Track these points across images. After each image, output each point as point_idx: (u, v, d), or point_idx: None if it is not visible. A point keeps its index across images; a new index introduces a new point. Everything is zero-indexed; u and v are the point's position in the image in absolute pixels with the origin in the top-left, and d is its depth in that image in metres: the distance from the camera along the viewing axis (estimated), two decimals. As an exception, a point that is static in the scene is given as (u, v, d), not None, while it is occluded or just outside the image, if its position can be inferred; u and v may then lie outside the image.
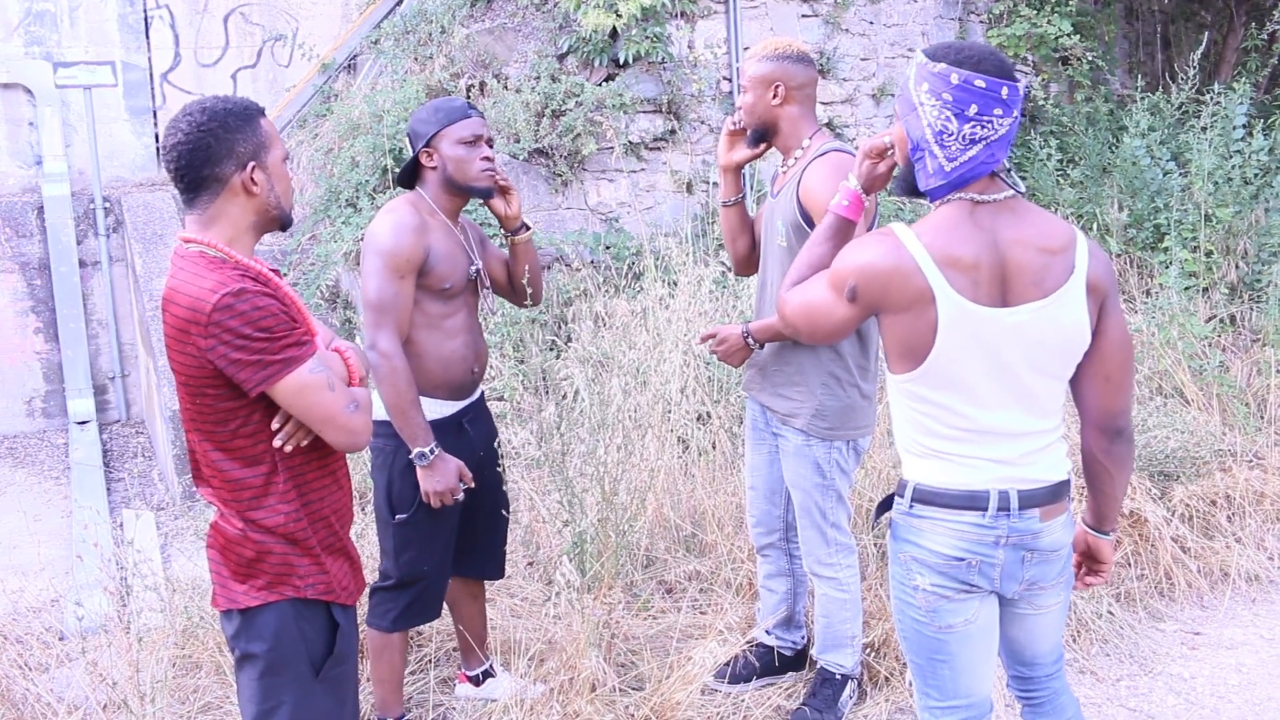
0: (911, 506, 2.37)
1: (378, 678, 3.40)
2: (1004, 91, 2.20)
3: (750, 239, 3.62)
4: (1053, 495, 2.35)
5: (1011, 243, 2.24)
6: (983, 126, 2.21)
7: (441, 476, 3.17)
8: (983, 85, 2.19)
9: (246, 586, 2.35)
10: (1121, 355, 2.34)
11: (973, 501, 2.30)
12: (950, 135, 2.22)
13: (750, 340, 3.40)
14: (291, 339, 2.25)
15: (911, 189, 2.37)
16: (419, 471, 3.18)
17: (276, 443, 2.32)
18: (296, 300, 2.37)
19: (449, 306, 3.28)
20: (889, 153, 2.45)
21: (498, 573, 3.63)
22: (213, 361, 2.22)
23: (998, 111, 2.20)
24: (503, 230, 3.48)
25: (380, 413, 3.20)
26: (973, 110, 2.20)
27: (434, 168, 3.26)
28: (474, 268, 3.34)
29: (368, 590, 3.35)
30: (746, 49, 7.39)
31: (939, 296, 2.19)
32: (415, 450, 3.15)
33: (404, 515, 3.25)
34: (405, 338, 3.18)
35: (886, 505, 2.49)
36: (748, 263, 3.67)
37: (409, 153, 3.33)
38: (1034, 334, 2.24)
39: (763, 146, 3.43)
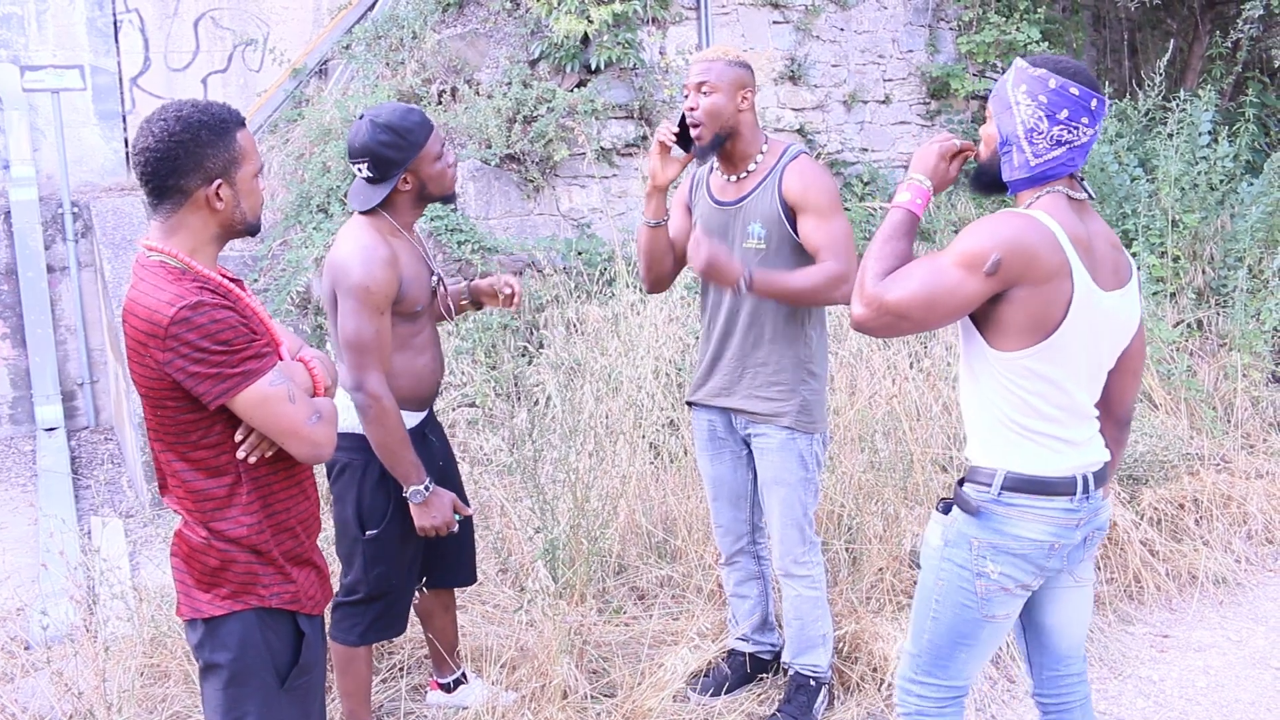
0: (1000, 494, 2.44)
1: (345, 691, 3.36)
2: (1093, 103, 2.39)
3: (674, 257, 3.61)
4: (1105, 475, 2.54)
5: (1096, 235, 2.45)
6: (1069, 131, 2.39)
7: (438, 511, 3.14)
8: (1076, 93, 2.38)
9: (210, 595, 2.33)
10: (1142, 351, 2.61)
11: (1065, 487, 2.44)
12: (1040, 134, 2.41)
13: (745, 284, 3.22)
14: (250, 351, 2.23)
15: (986, 186, 2.56)
16: (413, 508, 3.14)
17: (240, 454, 2.30)
18: (259, 311, 2.35)
19: (417, 324, 3.23)
20: (960, 155, 2.59)
21: (471, 578, 3.61)
22: (171, 375, 2.20)
23: (1084, 120, 2.39)
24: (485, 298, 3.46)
25: (345, 425, 3.13)
26: (1064, 114, 2.38)
27: (408, 190, 3.16)
28: (434, 278, 3.29)
29: (334, 603, 3.32)
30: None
31: (1075, 272, 2.34)
32: (410, 488, 3.11)
33: (374, 530, 3.20)
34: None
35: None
36: (668, 280, 3.65)
37: (355, 170, 3.18)
38: (1117, 320, 2.45)
39: (687, 156, 3.40)
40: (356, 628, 3.30)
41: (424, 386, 3.27)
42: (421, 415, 3.32)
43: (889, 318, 2.41)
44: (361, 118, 3.15)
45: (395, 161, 3.09)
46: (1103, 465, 2.51)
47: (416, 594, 3.43)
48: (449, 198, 3.28)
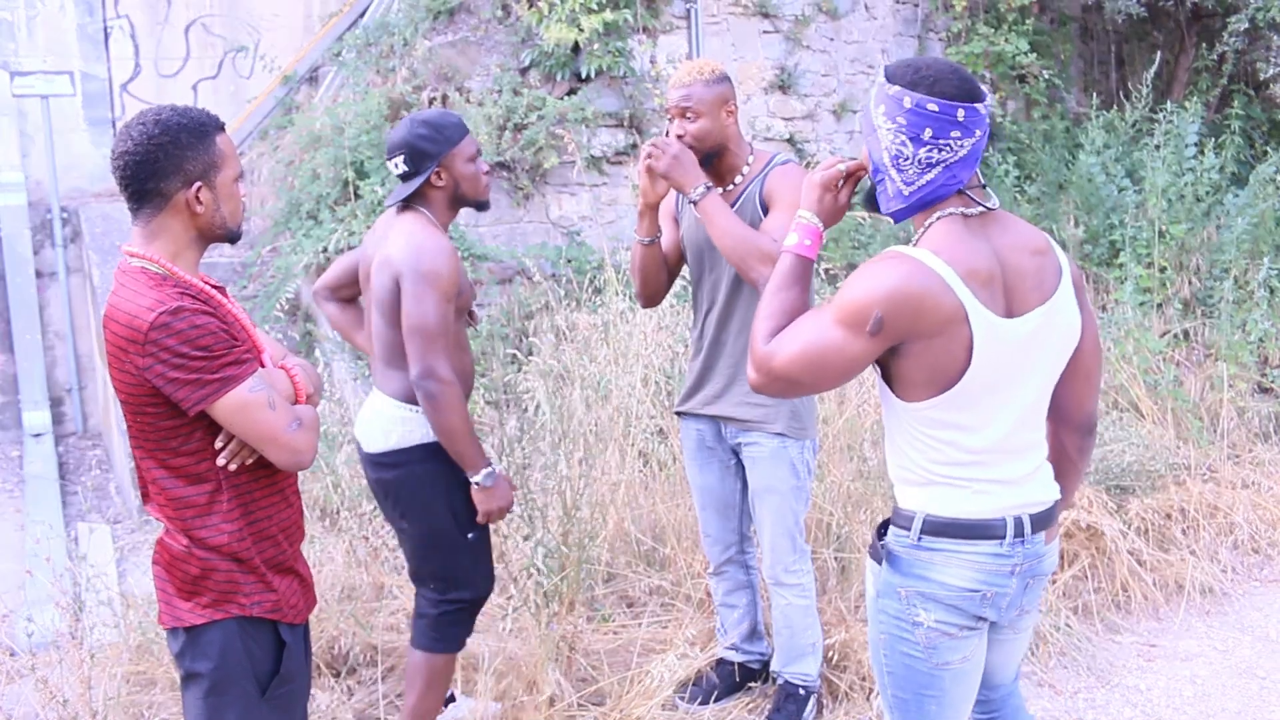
0: (920, 539, 2.23)
1: (424, 710, 3.30)
2: (960, 114, 2.11)
3: (667, 271, 3.61)
4: (1051, 516, 2.30)
5: (1008, 249, 2.18)
6: (939, 150, 2.13)
7: (502, 494, 3.17)
8: (935, 109, 2.10)
9: (191, 604, 2.32)
10: (1095, 351, 2.34)
11: (990, 530, 2.21)
12: (906, 159, 2.15)
13: (700, 192, 3.21)
14: (230, 358, 2.22)
15: (878, 207, 2.29)
16: (477, 494, 3.15)
17: (220, 461, 2.29)
18: (240, 317, 2.35)
19: (460, 322, 3.27)
20: (843, 182, 2.35)
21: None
22: (150, 380, 2.19)
23: (955, 134, 2.11)
24: None
25: (412, 438, 3.15)
26: (927, 134, 2.12)
27: (442, 186, 3.20)
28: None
29: (432, 617, 3.26)
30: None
31: (971, 314, 2.09)
32: (483, 472, 3.12)
33: (475, 533, 3.22)
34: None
35: (883, 533, 2.35)
36: (662, 294, 3.66)
37: (374, 166, 3.25)
38: (1043, 341, 2.19)
39: None
40: (463, 634, 3.31)
41: (466, 386, 3.29)
42: None
43: (781, 383, 2.19)
44: (403, 118, 3.25)
45: (429, 154, 3.15)
46: (1049, 506, 2.28)
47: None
48: (482, 204, 3.33)
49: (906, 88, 2.13)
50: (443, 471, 3.16)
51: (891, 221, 2.32)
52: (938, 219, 2.19)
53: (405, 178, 3.19)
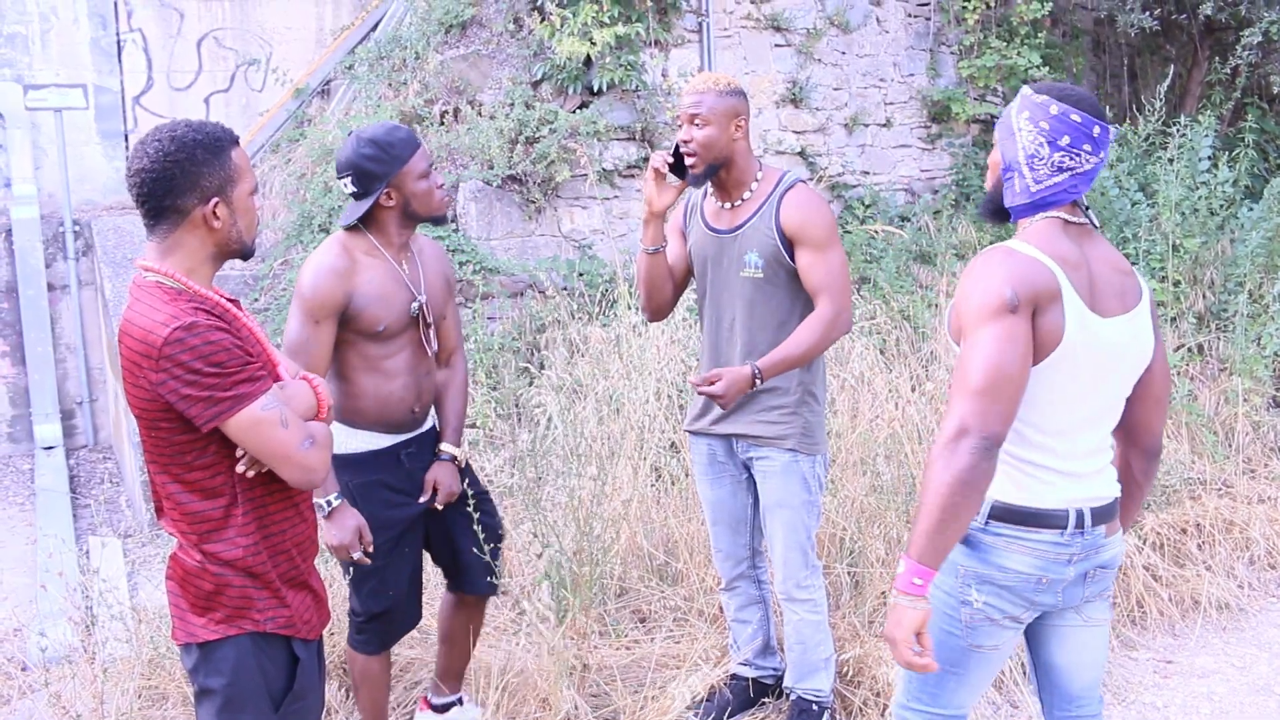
0: (988, 524, 2.40)
1: (362, 706, 3.37)
2: (1095, 130, 2.38)
3: (673, 284, 3.61)
4: (1112, 511, 2.46)
5: (1096, 259, 2.41)
6: (1071, 158, 2.38)
7: (338, 530, 3.05)
8: (1078, 120, 2.37)
9: (205, 620, 2.32)
10: (1165, 376, 2.53)
11: (1053, 520, 2.37)
12: (1040, 160, 2.40)
13: (759, 380, 3.30)
14: (244, 375, 2.21)
15: (994, 213, 2.55)
16: (319, 521, 3.03)
17: (240, 468, 2.29)
18: (256, 333, 2.34)
19: (388, 347, 3.18)
20: None
21: (489, 588, 3.48)
22: (164, 396, 2.19)
23: (1086, 147, 2.38)
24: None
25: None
26: (1064, 141, 2.37)
27: (391, 206, 3.15)
28: (415, 304, 3.21)
29: (347, 613, 3.35)
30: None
31: (1064, 291, 2.30)
32: (318, 499, 3.03)
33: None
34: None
35: None
36: (669, 307, 3.65)
37: (342, 186, 3.18)
38: (1123, 350, 2.39)
39: (681, 183, 3.40)
40: (370, 643, 3.32)
41: (392, 413, 3.22)
42: (397, 438, 3.27)
43: (978, 418, 2.19)
44: (350, 134, 3.18)
45: (376, 175, 3.10)
46: (1110, 501, 2.44)
47: (431, 610, 3.40)
48: (439, 219, 3.27)
49: (1054, 99, 2.40)
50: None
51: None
52: (1041, 219, 2.42)
53: (356, 198, 3.15)
